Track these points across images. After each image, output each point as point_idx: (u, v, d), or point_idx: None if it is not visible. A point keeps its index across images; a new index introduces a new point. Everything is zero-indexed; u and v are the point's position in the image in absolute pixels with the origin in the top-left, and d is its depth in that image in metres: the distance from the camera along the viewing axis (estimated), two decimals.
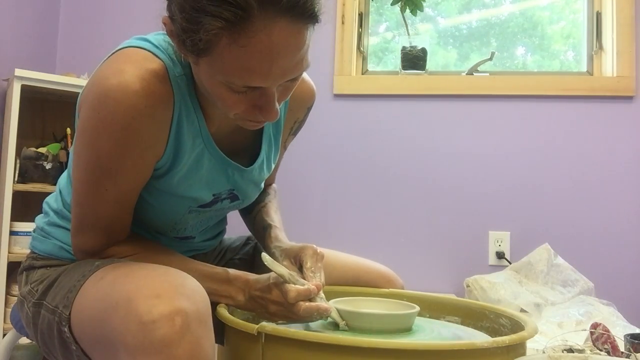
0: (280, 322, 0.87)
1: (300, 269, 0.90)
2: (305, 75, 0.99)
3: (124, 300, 0.68)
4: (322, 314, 0.82)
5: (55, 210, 0.99)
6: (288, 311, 0.82)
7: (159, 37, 0.84)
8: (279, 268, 0.83)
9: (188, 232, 1.01)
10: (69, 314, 0.79)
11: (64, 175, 1.02)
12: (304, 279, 0.86)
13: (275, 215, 1.10)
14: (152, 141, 0.82)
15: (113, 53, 0.83)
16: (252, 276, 0.87)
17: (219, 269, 0.90)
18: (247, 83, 0.73)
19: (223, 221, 1.15)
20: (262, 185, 1.07)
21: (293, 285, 0.81)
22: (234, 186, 0.98)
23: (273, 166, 1.06)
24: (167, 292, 0.66)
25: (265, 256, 0.82)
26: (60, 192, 1.00)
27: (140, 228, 0.96)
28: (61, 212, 0.98)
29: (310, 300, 0.82)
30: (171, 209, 0.93)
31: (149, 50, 0.81)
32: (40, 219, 1.02)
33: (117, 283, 0.73)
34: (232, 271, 0.89)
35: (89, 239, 0.87)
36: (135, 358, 0.65)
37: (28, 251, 1.00)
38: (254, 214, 1.12)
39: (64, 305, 0.80)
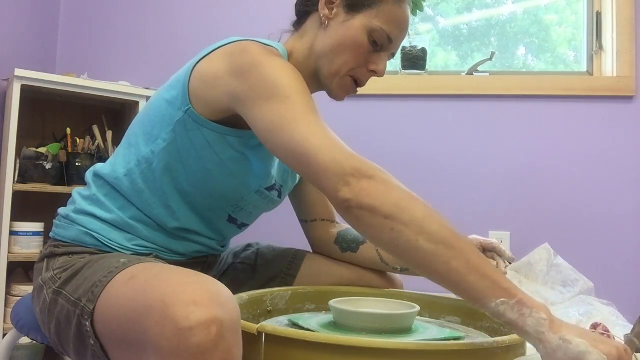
0: None
1: None
2: None
3: (159, 303, 0.68)
4: None
5: (85, 197, 1.00)
6: None
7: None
8: None
9: (241, 215, 1.06)
10: (93, 308, 0.79)
11: (113, 157, 1.02)
12: None
13: None
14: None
15: (236, 41, 0.93)
16: None
17: None
18: (392, 32, 0.96)
19: (241, 229, 1.13)
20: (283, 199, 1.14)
21: None
22: (283, 182, 1.10)
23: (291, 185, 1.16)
24: (204, 300, 0.67)
25: None
26: (96, 177, 1.01)
27: (211, 197, 0.99)
28: (93, 197, 0.98)
29: None
30: (251, 179, 1.00)
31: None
32: (64, 208, 1.03)
33: (150, 285, 0.73)
34: None
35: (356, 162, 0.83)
36: None
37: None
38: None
39: (88, 299, 0.81)
